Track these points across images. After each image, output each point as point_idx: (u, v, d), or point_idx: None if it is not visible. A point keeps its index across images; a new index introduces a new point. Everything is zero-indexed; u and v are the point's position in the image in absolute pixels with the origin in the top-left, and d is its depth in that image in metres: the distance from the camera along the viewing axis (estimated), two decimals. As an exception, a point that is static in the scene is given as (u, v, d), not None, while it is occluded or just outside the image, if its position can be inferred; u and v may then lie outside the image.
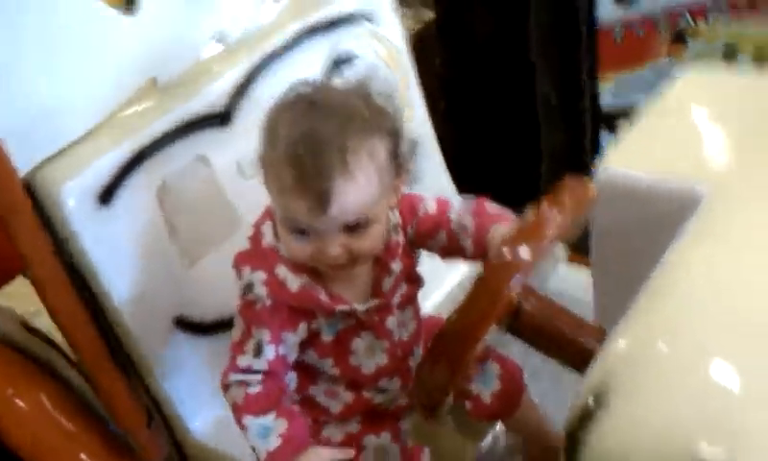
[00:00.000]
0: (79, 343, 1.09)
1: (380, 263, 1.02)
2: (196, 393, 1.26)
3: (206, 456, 1.27)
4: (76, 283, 1.09)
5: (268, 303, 0.98)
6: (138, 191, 1.09)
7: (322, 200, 0.89)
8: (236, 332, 1.01)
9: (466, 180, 1.52)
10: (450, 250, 1.03)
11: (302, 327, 1.00)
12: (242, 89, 1.15)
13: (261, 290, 0.98)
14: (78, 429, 1.18)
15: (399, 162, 0.96)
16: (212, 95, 1.13)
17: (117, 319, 1.14)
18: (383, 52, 1.33)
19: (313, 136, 0.88)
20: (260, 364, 0.99)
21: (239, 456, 1.22)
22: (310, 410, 1.09)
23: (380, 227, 0.96)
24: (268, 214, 1.00)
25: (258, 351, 0.99)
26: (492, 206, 1.01)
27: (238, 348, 1.00)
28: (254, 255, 0.99)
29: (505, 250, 0.81)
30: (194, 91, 1.11)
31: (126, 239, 1.11)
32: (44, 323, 1.12)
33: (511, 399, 1.16)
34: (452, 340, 0.81)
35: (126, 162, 1.06)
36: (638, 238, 0.88)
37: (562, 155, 1.82)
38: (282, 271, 0.98)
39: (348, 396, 1.08)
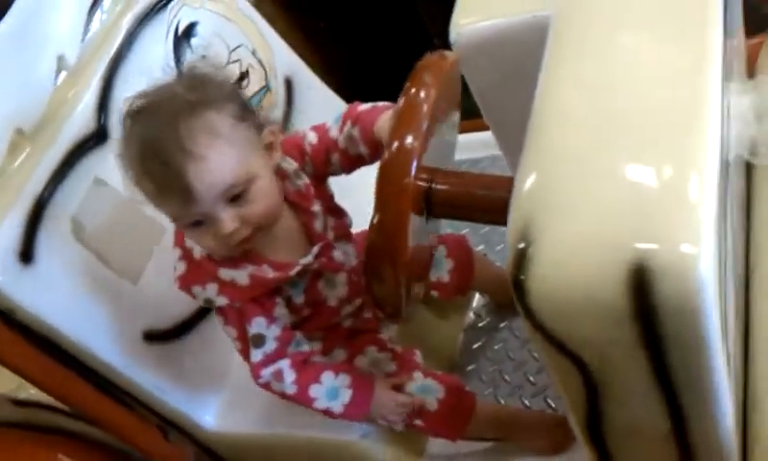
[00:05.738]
0: (66, 396, 1.12)
1: (301, 211, 1.05)
2: (195, 390, 1.30)
3: (229, 441, 1.32)
4: (43, 346, 1.10)
5: (236, 305, 1.02)
6: (54, 238, 1.10)
7: (185, 193, 0.91)
8: (236, 344, 1.06)
9: (365, 90, 1.54)
10: (350, 164, 1.04)
11: (279, 301, 1.04)
12: (104, 101, 1.16)
13: (221, 299, 1.01)
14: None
15: (251, 117, 0.97)
16: (79, 120, 1.14)
17: (93, 360, 1.16)
18: (220, 7, 1.34)
19: (149, 147, 0.91)
20: (270, 346, 1.03)
21: (258, 428, 1.28)
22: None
23: (264, 182, 0.96)
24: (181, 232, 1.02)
25: (260, 341, 1.03)
26: (364, 105, 1.02)
27: (246, 353, 1.04)
28: (194, 272, 1.02)
29: (393, 144, 0.80)
30: (61, 124, 1.12)
31: (64, 286, 1.12)
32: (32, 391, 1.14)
33: (466, 266, 1.24)
34: (381, 249, 0.81)
35: (29, 217, 1.08)
36: (514, 80, 0.89)
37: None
38: (225, 273, 1.00)
39: (321, 333, 1.13)
